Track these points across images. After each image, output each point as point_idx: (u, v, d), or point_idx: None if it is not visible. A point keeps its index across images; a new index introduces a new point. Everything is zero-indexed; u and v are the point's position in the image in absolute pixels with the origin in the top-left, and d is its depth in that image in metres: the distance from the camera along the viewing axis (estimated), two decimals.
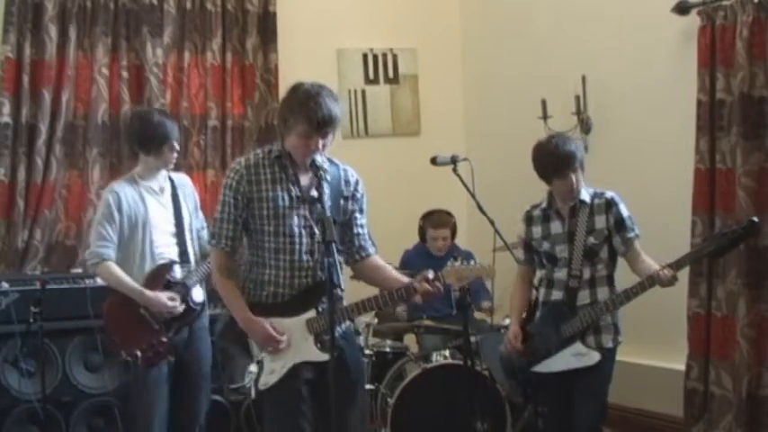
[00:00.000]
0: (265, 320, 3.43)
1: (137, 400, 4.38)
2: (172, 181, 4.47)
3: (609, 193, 4.04)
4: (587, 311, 3.91)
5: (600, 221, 3.99)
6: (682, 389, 4.85)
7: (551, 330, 3.98)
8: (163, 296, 4.22)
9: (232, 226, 3.47)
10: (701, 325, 4.76)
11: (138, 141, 4.38)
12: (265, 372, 3.43)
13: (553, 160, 3.96)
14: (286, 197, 3.44)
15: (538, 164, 4.04)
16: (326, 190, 3.46)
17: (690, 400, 4.83)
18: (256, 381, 3.43)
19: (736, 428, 4.57)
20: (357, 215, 3.61)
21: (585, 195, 4.02)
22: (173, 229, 4.37)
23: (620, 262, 4.06)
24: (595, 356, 3.92)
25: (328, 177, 3.48)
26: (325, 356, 3.31)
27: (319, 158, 3.48)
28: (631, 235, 3.97)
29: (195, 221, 4.49)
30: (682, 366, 4.86)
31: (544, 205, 4.12)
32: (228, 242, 3.49)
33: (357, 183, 3.63)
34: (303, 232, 3.45)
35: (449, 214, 5.55)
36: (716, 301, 4.70)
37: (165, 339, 4.24)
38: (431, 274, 3.46)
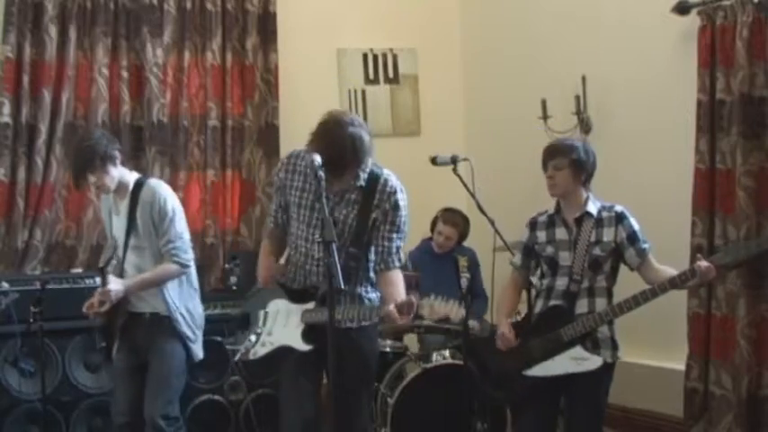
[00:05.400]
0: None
1: None
2: (134, 195, 4.18)
3: (618, 207, 3.92)
4: (589, 317, 3.81)
5: (608, 234, 3.88)
6: (682, 389, 4.85)
7: (551, 332, 3.87)
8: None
9: (274, 207, 3.81)
10: (700, 325, 4.76)
11: None
12: (259, 344, 3.71)
13: (546, 149, 3.97)
14: (312, 198, 3.60)
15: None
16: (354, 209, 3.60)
17: (690, 400, 4.83)
18: (249, 349, 3.72)
19: (736, 428, 4.57)
20: (382, 226, 3.63)
21: (592, 208, 3.92)
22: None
23: (622, 277, 3.97)
24: (597, 361, 3.79)
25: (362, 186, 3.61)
26: (306, 347, 3.54)
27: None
28: (645, 246, 3.86)
29: (155, 237, 4.17)
30: (682, 366, 4.86)
31: (551, 211, 4.03)
32: (271, 219, 3.83)
33: (389, 195, 3.65)
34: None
35: (465, 219, 5.44)
36: (716, 300, 4.70)
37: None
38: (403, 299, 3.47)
